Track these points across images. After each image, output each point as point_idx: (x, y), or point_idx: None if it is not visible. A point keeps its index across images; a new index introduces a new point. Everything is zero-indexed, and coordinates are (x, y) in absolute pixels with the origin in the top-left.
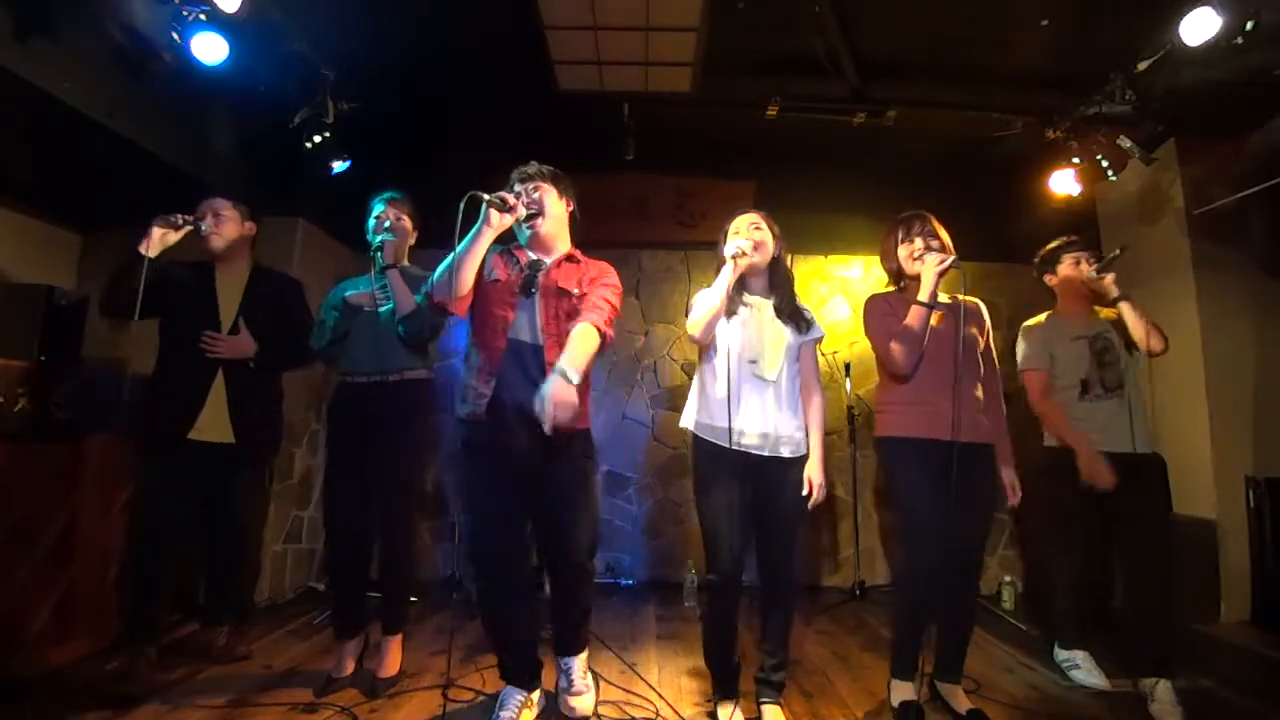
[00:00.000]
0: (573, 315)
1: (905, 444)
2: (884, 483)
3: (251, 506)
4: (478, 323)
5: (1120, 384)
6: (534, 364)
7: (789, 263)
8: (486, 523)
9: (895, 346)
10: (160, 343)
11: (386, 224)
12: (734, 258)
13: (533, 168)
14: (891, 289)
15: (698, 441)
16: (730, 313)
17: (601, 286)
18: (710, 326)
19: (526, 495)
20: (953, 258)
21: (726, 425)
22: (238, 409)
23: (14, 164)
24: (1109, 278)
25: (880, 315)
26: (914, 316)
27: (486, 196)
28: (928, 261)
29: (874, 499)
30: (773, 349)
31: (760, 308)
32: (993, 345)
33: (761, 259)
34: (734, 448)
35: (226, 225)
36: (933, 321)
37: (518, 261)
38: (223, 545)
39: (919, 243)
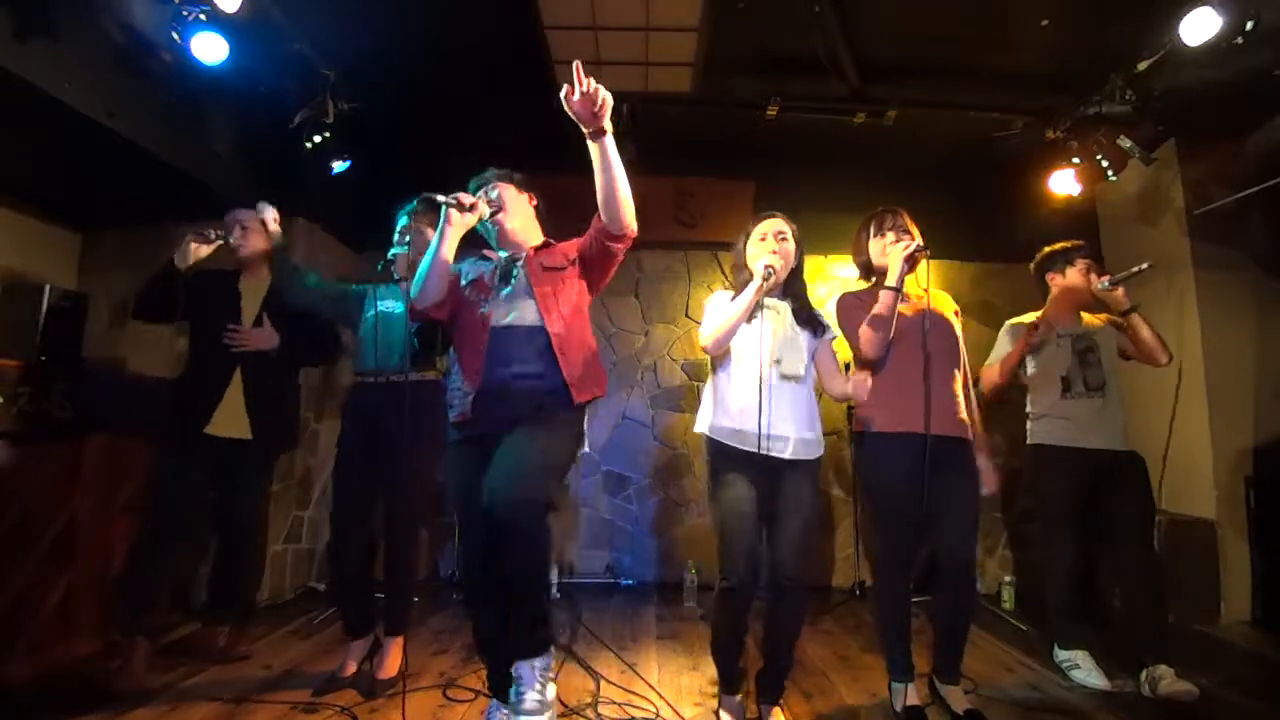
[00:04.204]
0: (571, 289)
1: (881, 438)
2: (861, 477)
3: (258, 506)
4: (459, 327)
5: (1102, 384)
6: (529, 344)
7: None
8: (469, 523)
9: (865, 332)
10: (189, 346)
11: (407, 237)
12: (765, 279)
13: (489, 172)
14: (863, 286)
15: (715, 445)
16: (748, 318)
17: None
18: (724, 341)
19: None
20: (918, 243)
21: (749, 429)
22: (255, 405)
23: (14, 164)
24: (1119, 291)
25: (852, 310)
26: (883, 301)
27: (441, 198)
28: (895, 248)
29: (857, 496)
30: (793, 351)
31: (779, 309)
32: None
33: (785, 272)
34: (761, 452)
35: (252, 238)
36: (906, 312)
37: (491, 262)
38: (228, 543)
39: (890, 236)
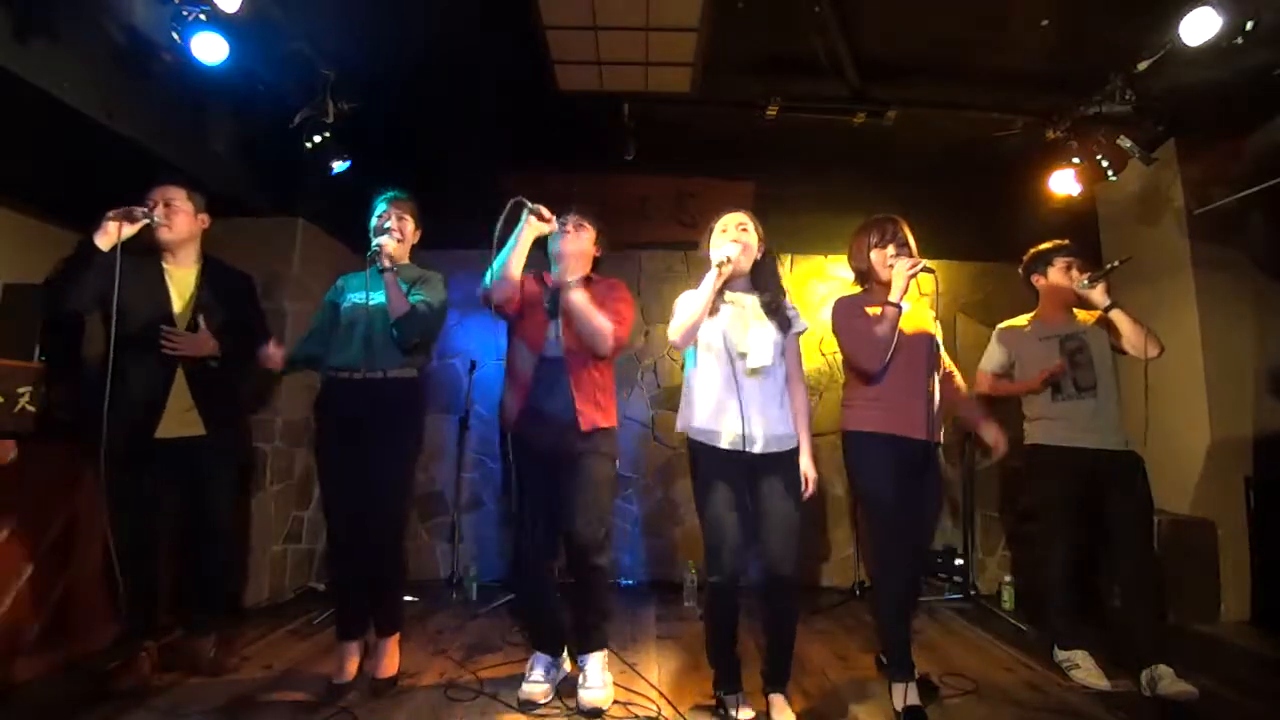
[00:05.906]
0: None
1: (869, 439)
2: (849, 478)
3: (229, 505)
4: (517, 340)
5: (1093, 384)
6: (559, 376)
7: (788, 263)
8: (523, 504)
9: (866, 346)
10: (107, 340)
11: (386, 224)
12: (719, 265)
13: (573, 208)
14: (858, 290)
15: (694, 444)
16: (712, 311)
17: (613, 302)
18: (690, 334)
19: (556, 483)
20: (923, 263)
21: (719, 428)
22: (204, 400)
23: (14, 164)
24: (1099, 288)
25: (848, 316)
26: (885, 317)
27: (529, 205)
28: (900, 265)
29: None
30: (759, 342)
31: (742, 304)
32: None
33: (746, 261)
34: (727, 448)
35: (178, 218)
36: (901, 326)
37: (545, 285)
38: (201, 549)
39: (892, 249)
